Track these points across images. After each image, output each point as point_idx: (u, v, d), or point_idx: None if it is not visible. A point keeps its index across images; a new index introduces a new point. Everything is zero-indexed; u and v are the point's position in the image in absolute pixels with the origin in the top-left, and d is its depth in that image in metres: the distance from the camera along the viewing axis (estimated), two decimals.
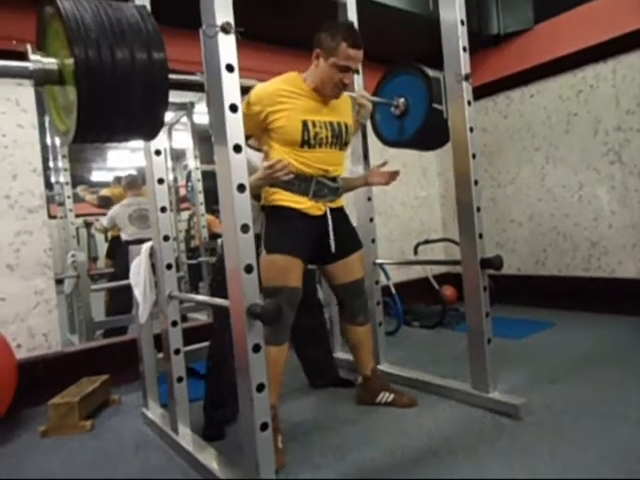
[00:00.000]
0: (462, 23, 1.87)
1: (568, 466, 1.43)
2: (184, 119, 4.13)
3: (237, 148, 1.25)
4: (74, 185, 3.62)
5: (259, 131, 1.77)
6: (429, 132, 2.17)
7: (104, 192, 4.32)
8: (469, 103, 1.88)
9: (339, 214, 1.89)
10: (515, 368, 2.29)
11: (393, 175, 2.01)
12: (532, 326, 3.04)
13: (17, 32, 2.25)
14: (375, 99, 2.22)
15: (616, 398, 1.87)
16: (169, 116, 4.29)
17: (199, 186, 4.02)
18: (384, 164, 2.03)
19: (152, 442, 1.88)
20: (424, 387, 2.14)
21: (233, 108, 1.24)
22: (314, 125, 1.73)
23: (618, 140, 3.10)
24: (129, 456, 1.78)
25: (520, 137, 3.63)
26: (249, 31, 1.26)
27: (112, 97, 1.17)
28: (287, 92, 1.72)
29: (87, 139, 1.28)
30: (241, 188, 1.25)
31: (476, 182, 1.89)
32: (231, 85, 1.24)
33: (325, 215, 1.81)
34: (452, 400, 1.99)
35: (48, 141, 3.51)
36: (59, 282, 3.07)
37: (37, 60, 1.22)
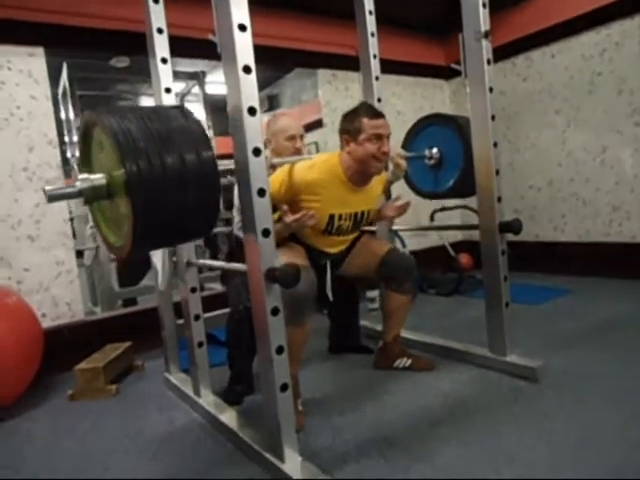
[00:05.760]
0: None
1: (585, 433, 1.41)
2: (195, 89, 4.08)
3: (256, 152, 1.24)
4: None
5: (290, 201, 1.77)
6: (467, 182, 2.04)
7: None
8: (489, 62, 1.82)
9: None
10: (532, 333, 2.29)
11: (404, 207, 2.02)
12: (549, 292, 3.01)
13: None
14: (410, 154, 2.17)
15: (636, 363, 1.86)
16: (180, 86, 4.24)
17: None
18: (397, 199, 2.04)
19: (175, 404, 1.94)
20: (441, 352, 2.15)
21: (246, 69, 1.21)
22: (340, 218, 1.83)
23: None
24: (154, 417, 1.85)
25: (540, 100, 3.52)
26: None
27: (166, 204, 1.14)
28: (324, 182, 1.76)
29: (144, 249, 1.24)
30: (256, 152, 1.24)
31: (495, 144, 1.85)
32: (244, 45, 1.21)
33: (324, 265, 1.94)
34: (469, 364, 2.00)
35: (62, 115, 3.51)
36: (79, 254, 3.12)
37: (85, 179, 1.18)
